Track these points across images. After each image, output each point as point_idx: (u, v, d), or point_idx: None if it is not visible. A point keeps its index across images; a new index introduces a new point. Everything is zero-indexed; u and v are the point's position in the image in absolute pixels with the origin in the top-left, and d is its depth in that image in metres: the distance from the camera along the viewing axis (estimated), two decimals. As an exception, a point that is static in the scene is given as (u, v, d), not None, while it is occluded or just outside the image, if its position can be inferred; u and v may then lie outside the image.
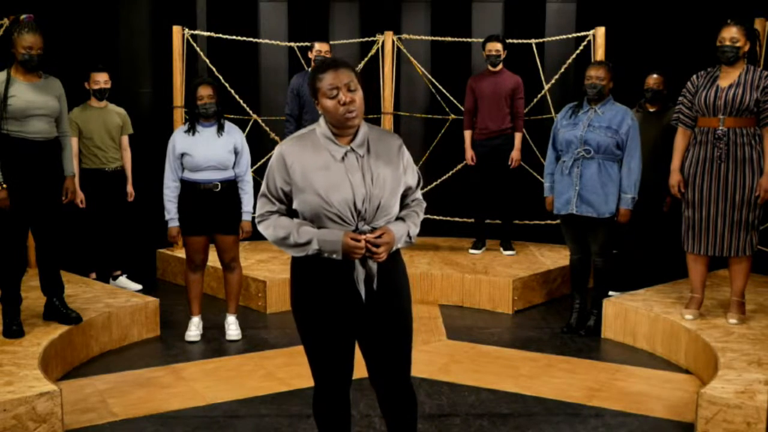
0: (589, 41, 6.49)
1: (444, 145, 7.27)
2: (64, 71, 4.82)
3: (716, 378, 3.76)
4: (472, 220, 6.93)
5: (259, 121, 7.11)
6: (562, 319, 5.45)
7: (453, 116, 7.23)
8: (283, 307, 5.73)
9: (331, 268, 2.60)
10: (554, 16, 7.50)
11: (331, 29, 7.69)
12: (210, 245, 4.97)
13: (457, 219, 7.22)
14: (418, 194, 2.81)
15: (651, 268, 5.83)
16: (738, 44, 4.41)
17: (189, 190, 4.77)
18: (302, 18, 7.66)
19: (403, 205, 2.74)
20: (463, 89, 6.67)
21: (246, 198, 4.89)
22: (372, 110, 6.83)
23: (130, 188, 6.17)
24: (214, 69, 6.85)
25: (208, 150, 4.73)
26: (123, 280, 6.20)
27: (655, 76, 5.75)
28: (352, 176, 2.56)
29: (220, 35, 6.97)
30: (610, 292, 5.33)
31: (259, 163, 6.85)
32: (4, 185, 4.19)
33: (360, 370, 2.80)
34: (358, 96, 2.56)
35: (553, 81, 6.88)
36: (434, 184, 7.13)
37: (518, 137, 6.50)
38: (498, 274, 5.91)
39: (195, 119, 4.81)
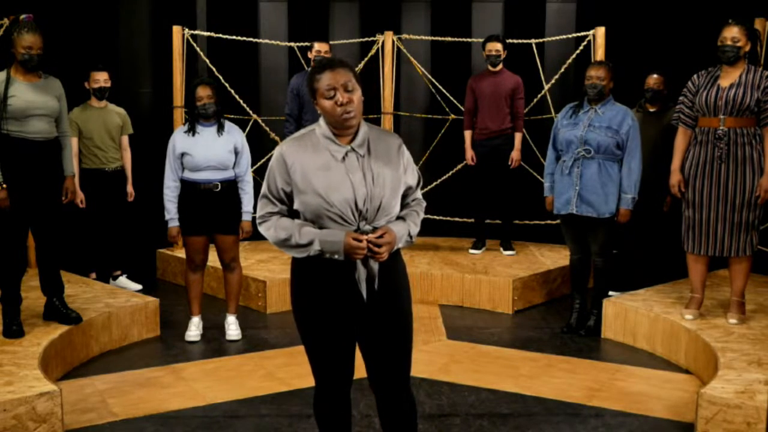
0: (589, 41, 6.49)
1: (444, 145, 7.27)
2: (64, 71, 4.82)
3: (716, 378, 3.76)
4: (472, 220, 6.93)
5: (259, 121, 7.11)
6: (562, 319, 5.45)
7: (453, 116, 7.23)
8: (283, 307, 5.73)
9: (332, 268, 2.60)
10: (554, 16, 7.50)
11: (331, 29, 7.69)
12: (210, 245, 4.97)
13: (457, 219, 7.22)
14: (418, 194, 2.81)
15: (651, 268, 5.83)
16: (739, 44, 4.41)
17: (189, 190, 4.77)
18: (302, 18, 7.66)
19: (404, 205, 2.74)
20: (463, 89, 6.67)
21: (246, 198, 4.89)
22: (372, 110, 6.83)
23: (130, 188, 6.17)
24: (214, 69, 6.85)
25: (208, 150, 4.73)
26: (123, 280, 6.20)
27: (655, 76, 5.75)
28: (352, 176, 2.56)
29: (220, 35, 6.97)
30: (610, 292, 5.33)
31: (259, 163, 6.85)
32: (4, 185, 4.19)
33: (360, 370, 2.80)
34: (356, 96, 2.56)
35: (553, 81, 6.88)
36: (434, 184, 7.13)
37: (518, 137, 6.50)
38: (498, 274, 5.91)
39: (195, 119, 4.81)
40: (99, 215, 6.02)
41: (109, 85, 6.01)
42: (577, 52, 6.72)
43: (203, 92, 4.74)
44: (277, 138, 6.98)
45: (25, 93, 4.22)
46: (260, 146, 7.04)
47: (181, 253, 6.10)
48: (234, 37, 6.98)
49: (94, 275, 6.09)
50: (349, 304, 2.64)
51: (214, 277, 6.01)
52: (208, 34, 7.01)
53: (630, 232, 5.68)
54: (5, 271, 4.33)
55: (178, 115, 6.55)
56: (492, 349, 4.88)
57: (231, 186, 4.83)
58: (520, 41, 6.90)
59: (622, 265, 5.82)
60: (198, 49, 6.83)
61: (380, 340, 2.70)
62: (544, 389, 4.18)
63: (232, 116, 6.61)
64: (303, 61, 6.99)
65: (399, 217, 2.69)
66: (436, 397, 4.07)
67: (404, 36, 7.09)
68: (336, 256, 2.54)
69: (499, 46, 6.37)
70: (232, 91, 6.87)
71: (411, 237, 2.68)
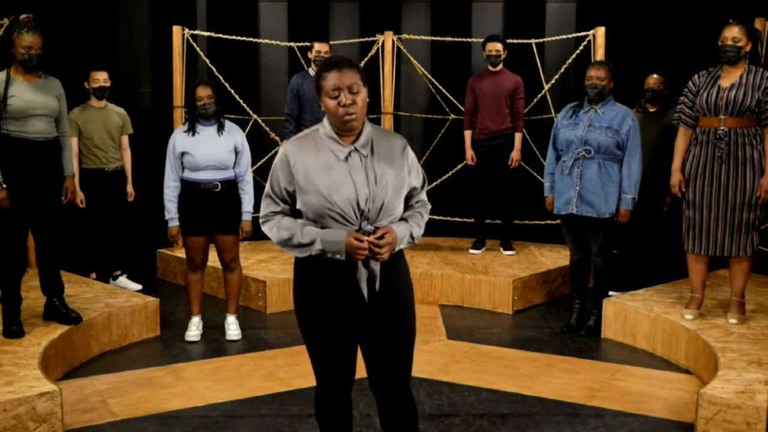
0: (589, 41, 6.49)
1: (444, 145, 7.27)
2: (64, 71, 4.82)
3: (716, 378, 3.76)
4: (472, 220, 6.93)
5: (259, 121, 7.11)
6: (562, 319, 5.45)
7: (453, 116, 7.24)
8: (283, 307, 5.73)
9: (334, 268, 2.60)
10: (554, 16, 7.50)
11: (331, 29, 7.69)
12: (210, 245, 4.97)
13: (457, 219, 7.22)
14: (423, 196, 2.81)
15: (651, 268, 5.83)
16: (740, 44, 4.41)
17: (189, 189, 4.77)
18: (302, 18, 7.66)
19: (408, 207, 2.74)
20: (463, 89, 6.67)
21: (246, 198, 4.89)
22: (372, 110, 6.83)
23: (130, 188, 6.17)
24: (214, 69, 6.85)
25: (208, 149, 4.73)
26: (123, 280, 6.20)
27: (655, 76, 5.75)
28: (355, 176, 2.56)
29: (220, 35, 6.97)
30: (610, 292, 5.33)
31: (259, 163, 6.86)
32: (4, 185, 4.19)
33: (361, 370, 2.80)
34: (360, 98, 2.56)
35: (553, 81, 6.88)
36: (434, 184, 7.13)
37: (518, 137, 6.50)
38: (498, 274, 5.91)
39: (195, 119, 4.81)
40: (99, 215, 6.02)
41: (108, 84, 6.01)
42: (577, 52, 6.72)
43: (203, 92, 4.75)
44: (277, 138, 6.98)
45: (25, 93, 4.22)
46: (260, 146, 7.04)
47: (181, 253, 6.10)
48: (234, 37, 6.98)
49: (94, 275, 6.09)
50: (350, 305, 2.64)
51: (214, 277, 6.01)
52: (208, 34, 7.01)
53: (630, 232, 5.68)
54: (5, 271, 4.33)
55: (178, 115, 6.55)
56: (492, 349, 4.88)
57: (231, 186, 4.83)
58: (520, 41, 6.90)
59: (622, 265, 5.82)
60: (198, 49, 6.83)
61: (381, 341, 2.70)
62: (544, 389, 4.18)
63: (232, 116, 6.61)
64: (303, 61, 6.99)
65: (402, 218, 2.69)
66: (436, 397, 4.07)
67: (404, 36, 7.09)
68: (338, 256, 2.55)
69: (499, 46, 6.37)
70: (232, 91, 6.86)
71: (413, 238, 2.68)
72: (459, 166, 7.07)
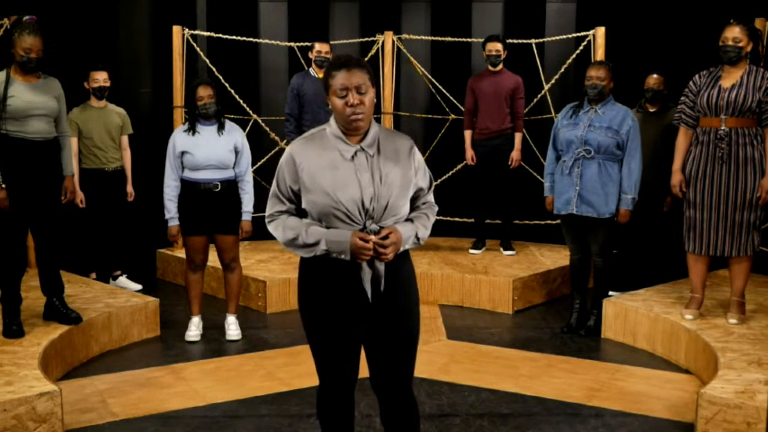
0: (589, 41, 6.49)
1: (444, 145, 7.27)
2: (64, 71, 4.82)
3: (716, 378, 3.76)
4: (472, 220, 6.93)
5: (259, 121, 7.11)
6: (562, 319, 5.45)
7: (453, 116, 7.24)
8: (283, 307, 5.74)
9: (338, 268, 2.60)
10: (554, 16, 7.50)
11: (331, 29, 7.69)
12: (210, 245, 4.97)
13: (457, 219, 7.22)
14: (430, 197, 2.81)
15: (651, 268, 5.83)
16: (741, 44, 4.42)
17: (189, 189, 4.77)
18: (302, 18, 7.66)
19: (414, 208, 2.74)
20: (463, 89, 6.67)
21: (246, 198, 4.89)
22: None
23: (130, 188, 6.17)
24: (214, 69, 6.85)
25: (208, 149, 4.73)
26: (123, 280, 6.20)
27: (655, 76, 5.74)
28: (360, 175, 2.57)
29: (220, 35, 6.97)
30: (610, 292, 5.33)
31: (259, 163, 6.85)
32: (3, 185, 4.19)
33: (362, 370, 2.80)
34: (368, 98, 2.57)
35: (553, 81, 6.88)
36: (434, 184, 7.12)
37: (518, 137, 6.50)
38: (498, 274, 5.91)
39: (195, 119, 4.81)
40: (99, 215, 6.02)
41: (108, 84, 6.01)
42: (577, 52, 6.72)
43: (204, 92, 4.75)
44: (277, 138, 6.98)
45: (24, 93, 4.22)
46: (260, 146, 7.04)
47: (181, 253, 6.10)
48: (234, 37, 6.98)
49: (94, 275, 6.09)
50: (354, 305, 2.64)
51: (214, 277, 6.01)
52: (208, 34, 7.01)
53: (630, 232, 5.68)
54: (5, 271, 4.33)
55: (178, 115, 6.55)
56: (492, 349, 4.88)
57: (231, 186, 4.83)
58: (520, 41, 6.90)
59: (622, 265, 5.82)
60: (198, 49, 6.83)
61: (384, 342, 2.70)
62: (544, 389, 4.18)
63: (232, 116, 6.60)
64: (303, 61, 6.99)
65: (408, 219, 2.69)
66: (436, 397, 4.07)
67: (404, 36, 7.09)
68: (342, 256, 2.55)
69: (499, 46, 6.37)
70: (232, 91, 6.86)
71: (418, 239, 2.68)
72: (459, 166, 7.06)
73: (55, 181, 4.43)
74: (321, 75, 6.24)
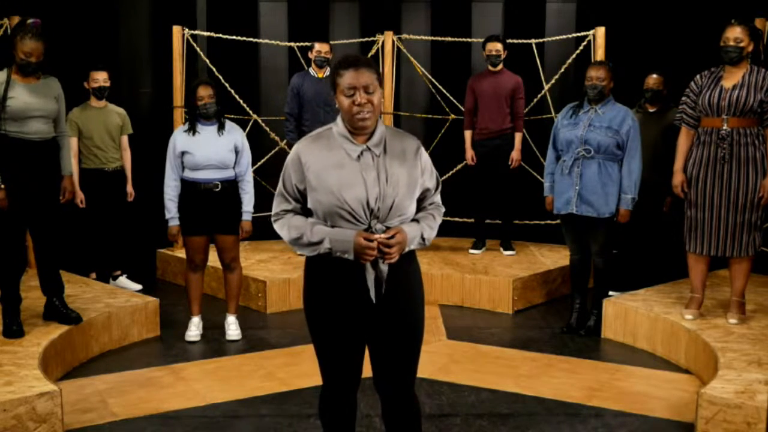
0: (589, 41, 6.49)
1: (444, 145, 7.27)
2: (64, 71, 4.82)
3: (716, 378, 3.76)
4: (472, 220, 6.93)
5: (259, 121, 7.11)
6: (562, 319, 5.45)
7: (453, 116, 7.24)
8: (283, 307, 5.73)
9: (342, 268, 2.59)
10: (554, 16, 7.50)
11: (331, 29, 7.69)
12: (210, 245, 4.97)
13: (457, 219, 7.22)
14: (437, 198, 2.81)
15: (651, 268, 5.82)
16: (742, 44, 4.42)
17: (189, 189, 4.77)
18: (302, 18, 7.66)
19: (421, 208, 2.74)
20: (463, 89, 6.67)
21: (246, 198, 4.89)
22: (372, 110, 6.82)
23: (130, 188, 6.17)
24: (214, 69, 6.85)
25: (208, 149, 4.73)
26: (123, 280, 6.20)
27: (655, 76, 5.74)
28: (366, 174, 2.57)
29: (220, 35, 6.97)
30: (610, 292, 5.33)
31: (259, 163, 6.85)
32: (3, 186, 4.19)
33: (362, 370, 2.80)
34: (376, 98, 2.57)
35: (553, 81, 6.88)
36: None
37: (518, 137, 6.50)
38: (498, 274, 5.91)
39: (195, 119, 4.81)
40: (99, 215, 6.02)
41: (108, 84, 6.01)
42: (577, 52, 6.72)
43: (204, 92, 4.75)
44: (277, 138, 6.98)
45: (23, 95, 4.22)
46: (260, 146, 7.03)
47: (181, 253, 6.10)
48: (234, 37, 6.98)
49: (94, 275, 6.09)
50: (358, 305, 2.63)
51: (214, 277, 6.01)
52: (208, 34, 7.01)
53: (630, 232, 5.68)
54: (5, 271, 4.32)
55: (178, 115, 6.55)
56: (492, 349, 4.88)
57: (231, 186, 4.83)
58: (520, 41, 6.90)
59: (622, 265, 5.82)
60: (198, 49, 6.83)
61: (387, 342, 2.70)
62: (544, 389, 4.18)
63: (232, 116, 6.60)
64: (303, 61, 6.99)
65: (414, 219, 2.69)
66: (436, 397, 4.07)
67: (404, 36, 7.09)
68: (346, 255, 2.54)
69: (499, 46, 6.37)
70: (232, 91, 6.86)
71: (424, 239, 2.67)
72: (459, 166, 7.07)
73: (54, 181, 4.42)
74: (321, 75, 6.29)
